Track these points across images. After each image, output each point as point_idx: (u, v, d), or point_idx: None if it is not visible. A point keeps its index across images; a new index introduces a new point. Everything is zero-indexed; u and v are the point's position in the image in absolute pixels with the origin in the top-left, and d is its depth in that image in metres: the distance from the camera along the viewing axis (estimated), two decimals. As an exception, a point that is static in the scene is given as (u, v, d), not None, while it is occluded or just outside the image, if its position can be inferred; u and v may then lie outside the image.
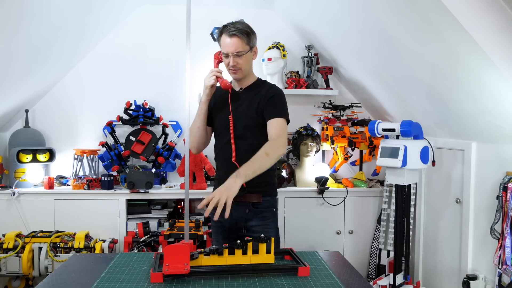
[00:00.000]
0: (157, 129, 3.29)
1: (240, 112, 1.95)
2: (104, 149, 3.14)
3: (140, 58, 3.35)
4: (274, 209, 2.01)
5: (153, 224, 3.03)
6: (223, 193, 1.56)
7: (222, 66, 2.02)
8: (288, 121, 1.95)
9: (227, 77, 1.97)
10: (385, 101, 3.03)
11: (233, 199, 1.87)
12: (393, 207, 2.59)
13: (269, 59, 3.19)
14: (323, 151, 3.44)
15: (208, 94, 1.94)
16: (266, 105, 1.92)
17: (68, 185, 3.15)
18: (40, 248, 2.75)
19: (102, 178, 3.04)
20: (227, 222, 1.93)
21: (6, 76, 2.68)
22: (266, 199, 1.96)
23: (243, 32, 1.88)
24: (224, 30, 1.90)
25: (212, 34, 3.31)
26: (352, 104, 3.32)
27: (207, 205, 1.57)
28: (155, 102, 3.33)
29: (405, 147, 2.35)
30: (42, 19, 2.45)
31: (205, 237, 2.79)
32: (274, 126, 1.87)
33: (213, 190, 2.03)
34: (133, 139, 3.19)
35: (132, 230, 3.00)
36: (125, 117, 3.20)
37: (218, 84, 1.96)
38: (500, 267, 2.04)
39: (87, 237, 2.83)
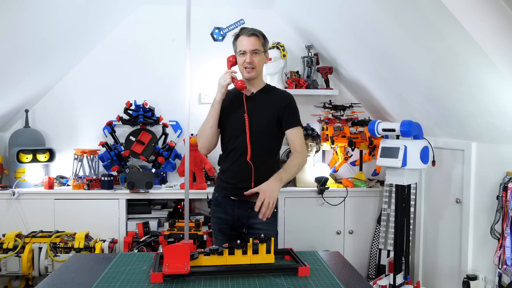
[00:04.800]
0: (157, 129, 3.29)
1: (256, 113, 2.01)
2: (104, 149, 3.14)
3: (140, 58, 3.35)
4: (275, 210, 2.05)
5: (153, 224, 3.03)
6: (271, 195, 1.79)
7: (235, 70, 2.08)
8: (299, 118, 2.08)
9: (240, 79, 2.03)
10: (385, 101, 3.03)
11: (237, 197, 2.01)
12: (393, 207, 2.59)
13: (269, 59, 3.18)
14: (323, 151, 3.44)
15: (224, 93, 2.00)
16: (284, 112, 2.02)
17: (68, 185, 3.15)
18: (40, 248, 2.75)
19: (102, 178, 3.04)
20: (231, 218, 2.03)
21: (6, 76, 2.68)
22: None
23: (261, 33, 2.04)
24: (241, 32, 2.02)
25: (212, 34, 3.31)
26: (352, 104, 3.32)
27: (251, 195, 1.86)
28: (155, 102, 3.33)
29: (405, 147, 2.35)
30: (42, 19, 2.45)
31: (205, 237, 2.79)
32: (296, 136, 2.03)
33: (214, 189, 2.14)
34: (133, 139, 3.19)
35: (132, 230, 3.00)
36: (125, 117, 3.20)
37: (231, 87, 2.03)
38: (500, 267, 2.04)
39: (87, 237, 2.82)
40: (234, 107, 2.03)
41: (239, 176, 2.00)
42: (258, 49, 1.99)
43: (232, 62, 2.04)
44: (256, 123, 1.99)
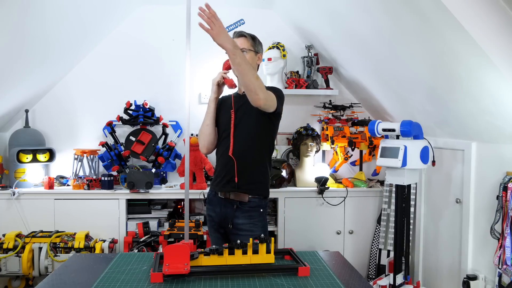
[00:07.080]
0: (157, 129, 3.28)
1: (243, 109, 2.06)
2: (104, 149, 3.14)
3: (140, 58, 3.35)
4: (261, 210, 2.05)
5: (153, 224, 3.03)
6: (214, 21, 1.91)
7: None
8: (281, 103, 2.02)
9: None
10: (385, 101, 3.03)
11: (223, 195, 2.03)
12: (393, 207, 2.59)
13: (269, 59, 3.19)
14: (323, 151, 3.44)
15: (216, 91, 2.10)
16: None
17: (68, 185, 3.15)
18: (40, 248, 2.75)
19: (102, 178, 3.04)
20: (217, 216, 2.07)
21: (6, 76, 2.68)
22: (254, 199, 2.02)
23: (249, 35, 2.13)
24: (233, 35, 2.13)
25: (212, 34, 3.31)
26: (352, 104, 3.32)
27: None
28: (155, 102, 3.33)
29: (405, 147, 2.35)
30: (43, 19, 2.45)
31: (205, 237, 2.79)
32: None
33: (211, 187, 2.15)
34: (133, 139, 3.19)
35: (132, 230, 3.00)
36: (125, 117, 3.20)
37: (230, 93, 2.13)
38: (500, 267, 2.04)
39: (87, 237, 2.82)
40: (226, 107, 2.13)
41: (224, 171, 2.05)
42: (245, 47, 2.08)
43: (227, 65, 2.15)
44: (243, 118, 2.05)
